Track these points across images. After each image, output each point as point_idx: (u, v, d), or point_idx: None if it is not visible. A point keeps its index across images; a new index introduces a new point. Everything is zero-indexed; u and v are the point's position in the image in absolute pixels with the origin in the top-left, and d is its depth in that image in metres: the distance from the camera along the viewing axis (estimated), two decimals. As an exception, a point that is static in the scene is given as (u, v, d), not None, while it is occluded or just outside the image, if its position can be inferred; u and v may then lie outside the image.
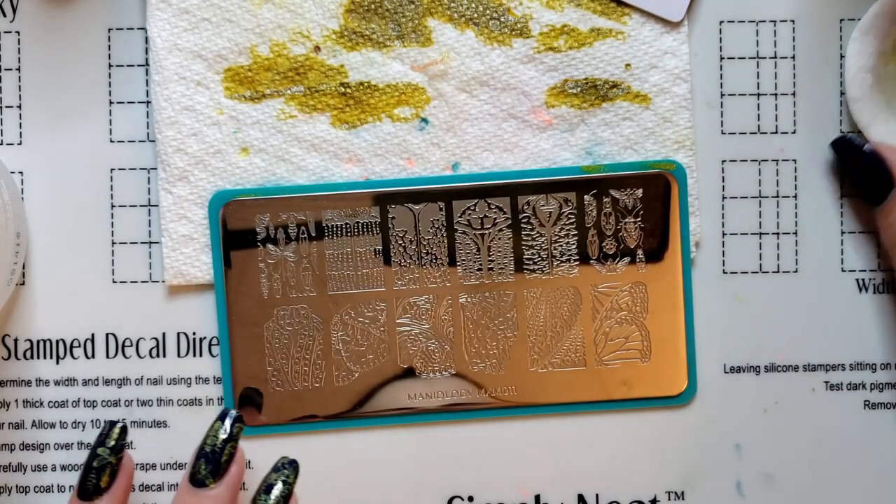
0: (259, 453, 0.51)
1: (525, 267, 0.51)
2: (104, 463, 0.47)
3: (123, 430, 0.48)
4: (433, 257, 0.51)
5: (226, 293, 0.51)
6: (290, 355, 0.51)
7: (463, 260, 0.51)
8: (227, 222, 0.51)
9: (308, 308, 0.51)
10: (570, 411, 0.51)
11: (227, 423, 0.47)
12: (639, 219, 0.51)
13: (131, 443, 0.52)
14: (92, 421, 0.51)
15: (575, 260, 0.51)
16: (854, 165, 0.50)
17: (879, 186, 0.49)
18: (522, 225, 0.51)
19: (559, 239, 0.51)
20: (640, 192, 0.51)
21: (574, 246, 0.51)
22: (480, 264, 0.51)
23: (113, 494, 0.47)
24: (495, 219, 0.51)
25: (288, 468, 0.47)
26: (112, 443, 0.47)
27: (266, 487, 0.47)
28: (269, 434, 0.50)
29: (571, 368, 0.51)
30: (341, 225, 0.51)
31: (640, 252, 0.51)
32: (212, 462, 0.46)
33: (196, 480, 0.46)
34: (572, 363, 0.51)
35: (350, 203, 0.51)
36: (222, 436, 0.47)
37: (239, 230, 0.51)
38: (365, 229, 0.51)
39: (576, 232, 0.51)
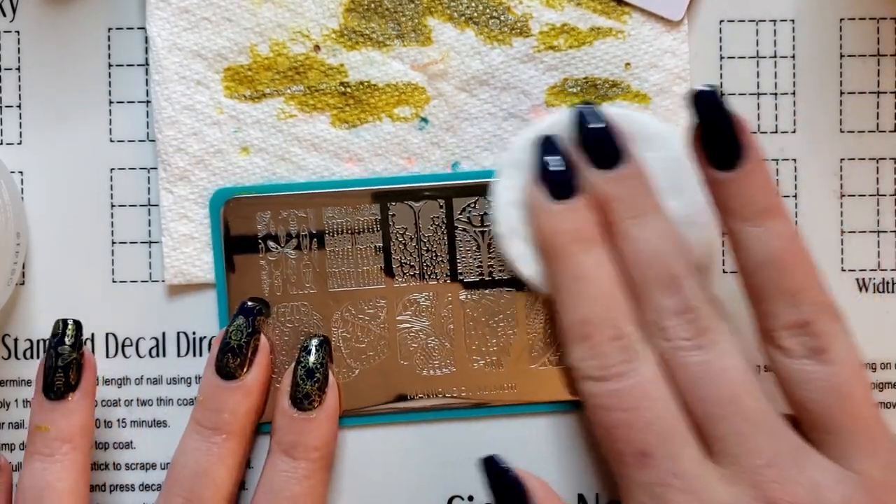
0: (260, 451, 0.51)
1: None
2: (69, 360, 0.48)
3: (77, 325, 0.48)
4: (433, 254, 0.51)
5: (227, 290, 0.51)
6: (290, 353, 0.51)
7: (463, 257, 0.51)
8: (227, 220, 0.51)
9: (308, 305, 0.51)
10: (570, 409, 0.51)
11: (250, 318, 0.50)
12: None
13: (131, 442, 0.52)
14: (94, 424, 0.51)
15: (574, 257, 0.51)
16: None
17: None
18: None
19: (558, 235, 0.51)
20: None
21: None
22: (480, 261, 0.51)
23: (83, 389, 0.48)
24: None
25: (319, 337, 0.50)
26: (71, 340, 0.48)
27: (304, 348, 0.50)
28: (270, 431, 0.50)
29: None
30: (342, 222, 0.51)
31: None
32: (239, 355, 0.49)
33: (225, 373, 0.49)
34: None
35: (350, 200, 0.51)
36: (247, 330, 0.49)
37: (240, 228, 0.51)
38: (365, 227, 0.51)
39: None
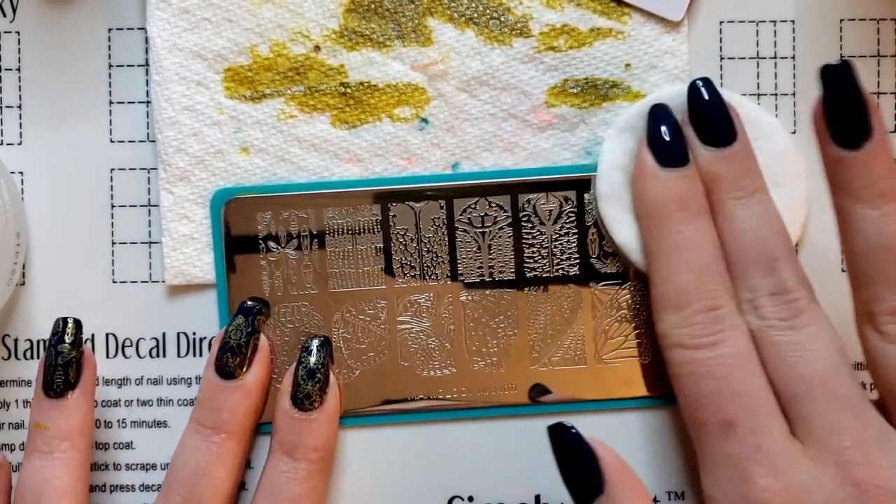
0: (260, 451, 0.51)
1: (525, 265, 0.51)
2: (69, 358, 0.48)
3: (77, 323, 0.48)
4: (434, 255, 0.51)
5: (227, 291, 0.51)
6: (291, 353, 0.51)
7: (464, 258, 0.51)
8: (228, 220, 0.51)
9: (309, 306, 0.51)
10: (570, 410, 0.51)
11: (249, 317, 0.50)
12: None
13: (131, 443, 0.52)
14: (93, 422, 0.51)
15: (575, 258, 0.51)
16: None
17: None
18: (523, 223, 0.51)
19: (559, 237, 0.51)
20: (639, 190, 0.51)
21: (574, 244, 0.51)
22: (481, 262, 0.51)
23: (83, 387, 0.48)
24: (496, 217, 0.51)
25: (320, 338, 0.50)
26: (71, 338, 0.48)
27: (305, 348, 0.49)
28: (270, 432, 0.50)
29: (571, 367, 0.51)
30: (342, 223, 0.51)
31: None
32: (238, 354, 0.49)
33: (225, 372, 0.49)
34: (572, 361, 0.51)
35: (351, 201, 0.51)
36: (246, 329, 0.49)
37: (240, 228, 0.51)
38: (366, 227, 0.51)
39: (576, 230, 0.51)
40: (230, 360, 0.48)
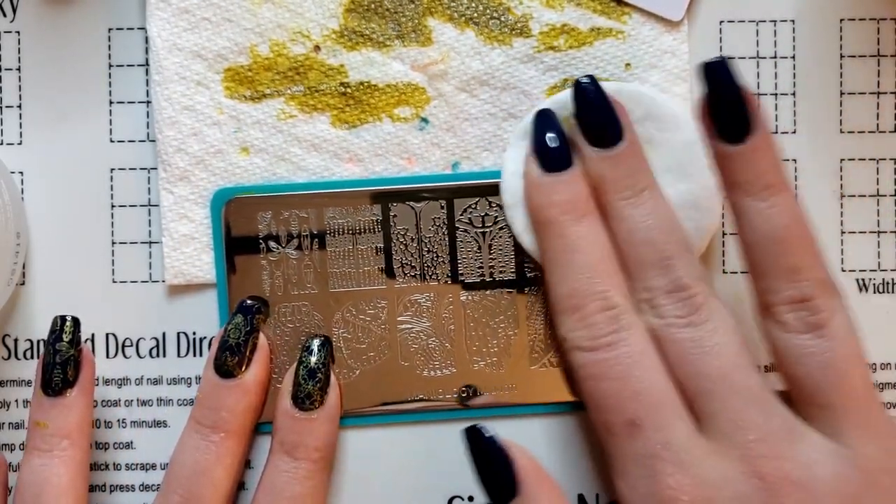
0: (261, 451, 0.51)
1: (526, 265, 0.51)
2: (67, 356, 0.48)
3: (76, 321, 0.48)
4: (434, 255, 0.51)
5: (228, 290, 0.51)
6: (291, 353, 0.51)
7: (464, 258, 0.51)
8: (228, 220, 0.51)
9: (309, 305, 0.51)
10: (570, 410, 0.51)
11: (248, 316, 0.50)
12: None
13: (131, 443, 0.52)
14: (92, 421, 0.51)
15: (575, 258, 0.51)
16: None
17: None
18: (523, 224, 0.51)
19: (559, 237, 0.51)
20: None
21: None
22: (481, 262, 0.51)
23: (81, 386, 0.48)
24: (496, 217, 0.51)
25: (321, 337, 0.50)
26: (69, 336, 0.48)
27: (306, 348, 0.50)
28: (271, 431, 0.50)
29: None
30: (343, 223, 0.51)
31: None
32: (237, 353, 0.49)
33: (224, 371, 0.49)
34: (573, 362, 0.51)
35: (352, 201, 0.51)
36: (245, 328, 0.49)
37: (241, 228, 0.51)
38: (366, 227, 0.51)
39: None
40: (229, 359, 0.48)
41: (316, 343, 0.49)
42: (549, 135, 0.48)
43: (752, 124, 0.44)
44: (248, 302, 0.50)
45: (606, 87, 0.48)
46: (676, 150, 0.49)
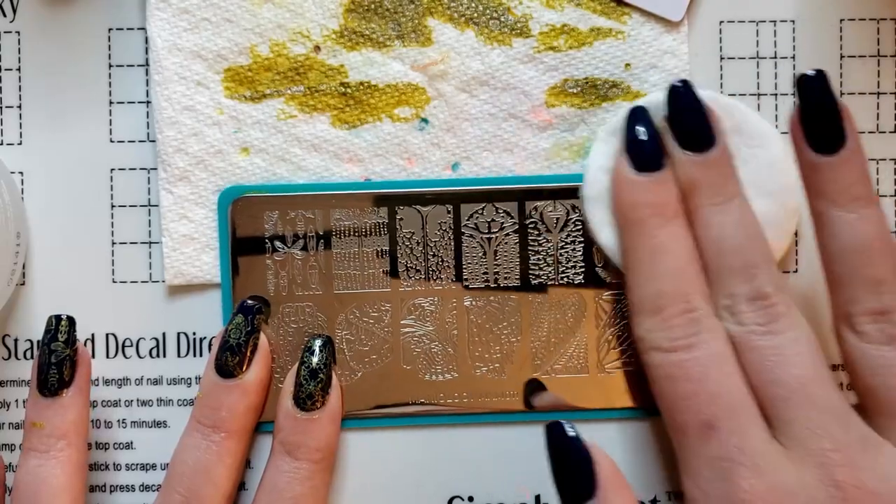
0: (261, 451, 0.51)
1: (531, 272, 0.51)
2: (62, 356, 0.48)
3: (71, 321, 0.48)
4: (439, 259, 0.51)
5: (232, 289, 0.51)
6: (294, 353, 0.51)
7: (469, 263, 0.51)
8: (235, 219, 0.51)
9: (313, 306, 0.51)
10: (571, 418, 0.51)
11: (249, 316, 0.50)
12: None
13: (131, 443, 0.52)
14: (92, 421, 0.51)
15: (580, 266, 0.51)
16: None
17: None
18: (529, 230, 0.51)
19: (565, 245, 0.51)
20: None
21: (580, 253, 0.51)
22: (486, 268, 0.51)
23: (77, 385, 0.48)
24: (502, 223, 0.51)
25: (323, 337, 0.50)
26: (64, 336, 0.48)
27: (307, 348, 0.50)
28: (272, 431, 0.50)
29: (574, 375, 0.51)
30: (349, 224, 0.51)
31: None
32: (238, 353, 0.49)
33: (224, 371, 0.49)
34: (575, 370, 0.51)
35: (358, 203, 0.51)
36: (245, 328, 0.49)
37: (247, 227, 0.51)
38: (372, 230, 0.51)
39: (582, 239, 0.51)
40: (229, 359, 0.48)
41: (318, 343, 0.49)
42: (644, 133, 0.48)
43: (845, 136, 0.45)
44: (249, 302, 0.50)
45: (702, 93, 0.48)
46: (762, 167, 0.49)
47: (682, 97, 0.48)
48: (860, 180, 0.45)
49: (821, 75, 0.45)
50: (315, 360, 0.49)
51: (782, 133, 0.50)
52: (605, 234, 0.50)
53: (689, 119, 0.48)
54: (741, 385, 0.44)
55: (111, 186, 0.52)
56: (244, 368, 0.49)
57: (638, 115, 0.49)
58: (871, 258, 0.44)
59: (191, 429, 0.49)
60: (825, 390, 0.44)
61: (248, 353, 0.49)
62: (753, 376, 0.45)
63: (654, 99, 0.49)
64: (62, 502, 0.47)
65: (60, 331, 0.48)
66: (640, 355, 0.47)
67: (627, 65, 0.51)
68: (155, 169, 0.52)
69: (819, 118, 0.45)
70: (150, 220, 0.52)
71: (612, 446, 0.51)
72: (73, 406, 0.48)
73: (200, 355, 0.52)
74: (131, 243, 0.52)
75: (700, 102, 0.48)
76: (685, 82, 0.48)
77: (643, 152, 0.48)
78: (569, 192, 0.51)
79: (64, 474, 0.47)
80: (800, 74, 0.45)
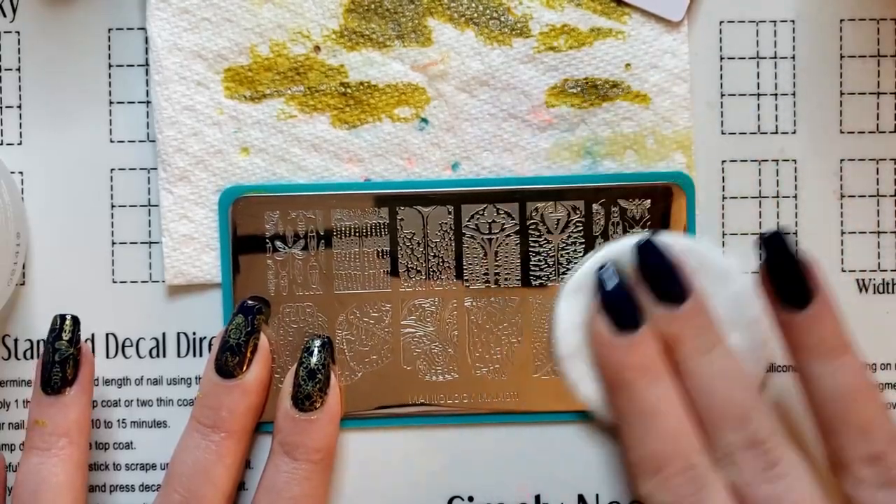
0: (261, 451, 0.51)
1: (531, 273, 0.51)
2: (66, 355, 0.48)
3: (75, 320, 0.49)
4: (440, 260, 0.51)
5: (233, 289, 0.51)
6: (294, 353, 0.51)
7: (470, 264, 0.51)
8: (236, 219, 0.51)
9: (314, 306, 0.51)
10: (570, 420, 0.51)
11: (249, 317, 0.49)
12: (646, 229, 0.51)
13: (131, 443, 0.52)
14: (93, 421, 0.51)
15: (582, 268, 0.51)
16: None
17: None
18: (530, 231, 0.51)
19: (566, 246, 0.51)
20: (648, 202, 0.51)
21: (581, 254, 0.51)
22: (487, 269, 0.51)
23: (80, 384, 0.48)
24: (503, 224, 0.51)
25: (322, 338, 0.50)
26: (68, 335, 0.48)
27: (306, 349, 0.49)
28: (272, 431, 0.50)
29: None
30: (350, 225, 0.51)
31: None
32: (238, 353, 0.49)
33: (224, 371, 0.49)
34: (576, 371, 0.51)
35: (359, 203, 0.51)
36: (245, 329, 0.49)
37: (248, 226, 0.51)
38: (373, 230, 0.51)
39: (583, 240, 0.51)
40: (229, 359, 0.48)
41: (316, 344, 0.49)
42: (619, 294, 0.48)
43: (813, 292, 0.46)
44: (249, 302, 0.50)
45: (665, 240, 0.49)
46: (727, 302, 0.49)
47: (650, 255, 0.48)
48: (833, 332, 0.46)
49: (779, 235, 0.46)
50: (313, 360, 0.49)
51: (744, 271, 0.51)
52: (586, 389, 0.50)
53: (660, 277, 0.48)
54: None
55: (111, 186, 0.52)
56: (244, 369, 0.49)
57: (607, 275, 0.49)
58: (857, 404, 0.45)
59: (190, 429, 0.49)
60: None
61: (248, 354, 0.49)
62: None
63: (619, 248, 0.50)
64: (63, 500, 0.47)
65: (65, 330, 0.48)
66: None
67: (627, 65, 0.51)
68: (155, 169, 0.52)
69: (786, 277, 0.46)
70: (150, 220, 0.52)
71: (611, 444, 0.51)
72: (75, 405, 0.48)
73: (200, 355, 0.52)
74: (131, 243, 0.52)
75: (667, 258, 0.48)
76: (650, 240, 0.49)
77: (621, 314, 0.48)
78: (570, 193, 0.51)
79: (65, 472, 0.47)
80: (760, 234, 0.46)
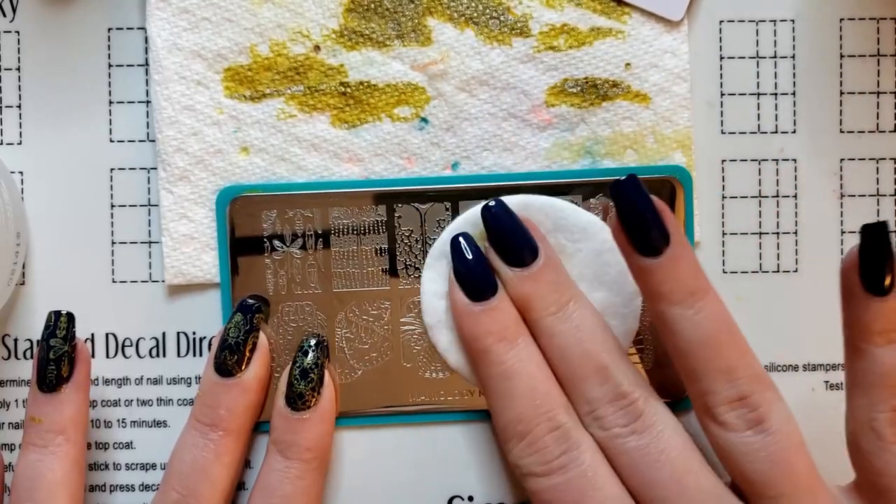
0: (261, 450, 0.51)
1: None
2: (60, 353, 0.48)
3: (70, 317, 0.49)
4: (438, 257, 0.51)
5: (231, 288, 0.51)
6: (293, 352, 0.51)
7: (467, 260, 0.51)
8: (233, 218, 0.51)
9: (313, 305, 0.51)
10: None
11: (248, 315, 0.49)
12: None
13: (131, 442, 0.52)
14: (92, 421, 0.51)
15: (579, 262, 0.51)
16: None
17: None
18: (528, 226, 0.51)
19: (564, 242, 0.51)
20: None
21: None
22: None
23: (76, 382, 0.48)
24: None
25: (317, 336, 0.50)
26: (62, 332, 0.48)
27: (300, 348, 0.50)
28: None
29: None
30: (348, 223, 0.51)
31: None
32: (237, 352, 0.49)
33: (223, 370, 0.49)
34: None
35: (357, 201, 0.51)
36: (244, 327, 0.49)
37: (245, 226, 0.51)
38: (371, 228, 0.51)
39: (583, 236, 0.51)
40: (228, 357, 0.48)
41: (311, 343, 0.49)
42: (472, 262, 0.48)
43: (668, 236, 0.45)
44: (249, 301, 0.50)
45: (513, 203, 0.49)
46: (588, 259, 0.50)
47: (496, 218, 0.48)
48: (691, 275, 0.45)
49: (631, 180, 0.45)
50: (307, 360, 0.49)
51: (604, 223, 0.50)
52: (454, 357, 0.50)
53: (507, 239, 0.48)
54: (618, 492, 0.45)
55: (111, 186, 0.52)
56: (243, 367, 0.49)
57: (460, 244, 0.49)
58: (719, 349, 0.44)
59: (189, 427, 0.49)
60: (699, 480, 0.44)
61: (248, 352, 0.49)
62: (628, 480, 0.45)
63: (472, 215, 0.50)
64: (59, 497, 0.47)
65: (59, 327, 0.48)
66: (519, 481, 0.47)
67: (627, 64, 0.51)
68: (155, 169, 0.52)
69: (638, 223, 0.45)
70: (149, 220, 0.52)
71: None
72: (71, 402, 0.48)
73: (200, 355, 0.52)
74: (131, 243, 0.52)
75: (514, 219, 0.48)
76: (497, 201, 0.48)
77: (475, 282, 0.48)
78: (568, 189, 0.51)
79: (61, 469, 0.48)
80: (613, 180, 0.45)
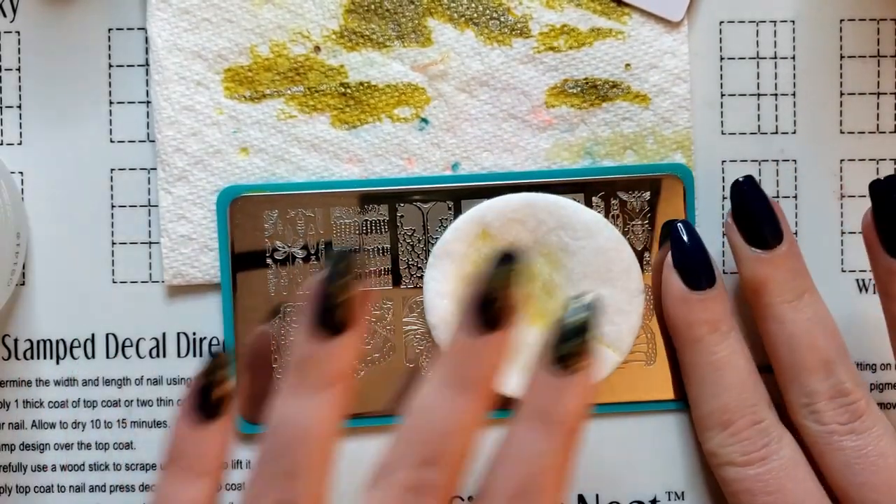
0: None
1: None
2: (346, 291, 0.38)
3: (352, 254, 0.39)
4: (441, 256, 0.51)
5: (233, 289, 0.51)
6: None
7: (471, 259, 0.51)
8: (234, 218, 0.51)
9: None
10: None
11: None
12: (646, 221, 0.51)
13: (131, 443, 0.52)
14: (92, 421, 0.51)
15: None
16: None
17: None
18: (531, 226, 0.51)
19: (568, 240, 0.51)
20: (647, 194, 0.51)
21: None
22: (488, 264, 0.51)
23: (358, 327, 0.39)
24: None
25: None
26: (345, 271, 0.38)
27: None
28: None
29: (576, 370, 0.51)
30: (349, 222, 0.51)
31: (646, 254, 0.51)
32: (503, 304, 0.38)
33: (491, 321, 0.38)
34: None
35: (358, 201, 0.51)
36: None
37: (247, 226, 0.51)
38: (373, 227, 0.51)
39: (586, 234, 0.51)
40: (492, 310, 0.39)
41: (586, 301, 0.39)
42: (691, 249, 0.49)
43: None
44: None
45: (517, 201, 0.49)
46: (592, 257, 0.50)
47: (745, 195, 0.48)
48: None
49: (750, 179, 0.48)
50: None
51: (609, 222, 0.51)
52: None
53: (753, 218, 0.48)
54: (816, 489, 0.46)
55: (111, 186, 0.52)
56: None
57: (681, 232, 0.49)
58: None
59: (435, 387, 0.40)
60: None
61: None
62: (839, 478, 0.46)
63: (475, 214, 0.50)
64: (328, 449, 0.40)
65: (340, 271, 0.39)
66: (713, 469, 0.48)
67: (627, 65, 0.51)
68: (155, 169, 0.52)
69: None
70: (149, 220, 0.52)
71: (611, 443, 0.51)
72: (353, 349, 0.39)
73: (200, 355, 0.52)
74: (131, 243, 0.52)
75: (763, 198, 0.48)
76: (748, 178, 0.48)
77: (695, 270, 0.48)
78: (570, 187, 0.51)
79: (333, 421, 0.40)
80: (873, 180, 0.46)
